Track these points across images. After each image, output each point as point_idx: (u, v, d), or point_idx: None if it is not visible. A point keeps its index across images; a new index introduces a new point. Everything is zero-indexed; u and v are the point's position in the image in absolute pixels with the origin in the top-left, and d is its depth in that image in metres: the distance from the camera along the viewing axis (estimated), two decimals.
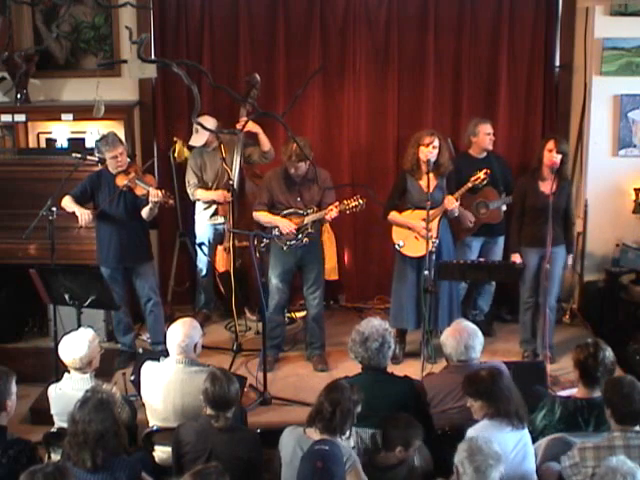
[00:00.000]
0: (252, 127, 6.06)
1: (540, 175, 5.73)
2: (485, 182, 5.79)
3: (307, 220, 5.71)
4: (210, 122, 5.96)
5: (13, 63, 6.36)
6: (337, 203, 5.63)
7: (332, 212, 5.60)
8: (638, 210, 6.55)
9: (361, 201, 5.61)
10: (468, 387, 3.98)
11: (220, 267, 6.39)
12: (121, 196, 5.65)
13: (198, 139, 6.18)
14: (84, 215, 5.56)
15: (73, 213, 5.59)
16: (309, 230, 5.73)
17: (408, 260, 5.79)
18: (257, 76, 6.04)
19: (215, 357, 5.79)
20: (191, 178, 6.29)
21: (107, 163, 5.70)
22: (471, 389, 3.96)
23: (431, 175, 5.59)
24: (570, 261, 6.00)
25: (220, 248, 6.38)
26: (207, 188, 6.27)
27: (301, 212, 5.73)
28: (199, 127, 5.87)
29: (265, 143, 6.17)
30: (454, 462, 3.45)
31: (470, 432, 3.82)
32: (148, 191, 5.54)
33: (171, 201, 5.61)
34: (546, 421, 4.15)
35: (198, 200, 6.34)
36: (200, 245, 6.47)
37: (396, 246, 5.78)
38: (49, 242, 5.48)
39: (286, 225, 5.70)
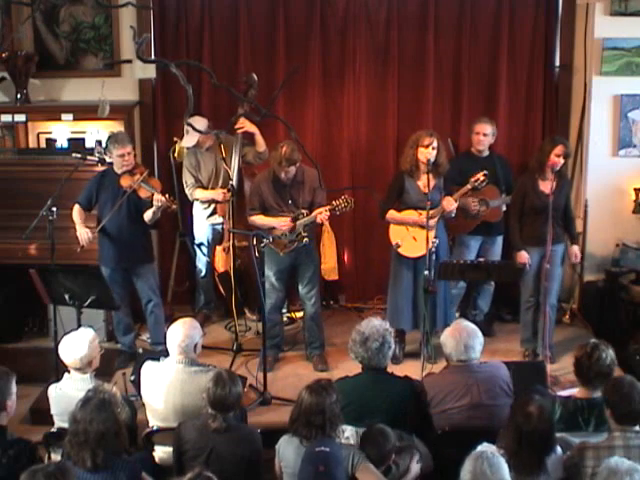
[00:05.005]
0: (249, 127, 6.09)
1: (542, 175, 5.75)
2: (485, 183, 5.80)
3: (298, 225, 5.72)
4: (200, 123, 5.96)
5: (13, 62, 6.36)
6: (327, 207, 5.65)
7: (322, 215, 5.63)
8: (638, 210, 6.55)
9: (349, 201, 5.65)
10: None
11: (219, 267, 6.39)
12: (125, 197, 5.65)
13: (189, 140, 6.15)
14: (83, 235, 5.60)
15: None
16: (302, 234, 5.74)
17: (405, 261, 5.79)
18: (254, 76, 6.02)
19: (215, 357, 5.78)
20: (188, 178, 6.27)
21: (113, 161, 5.70)
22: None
23: (430, 175, 5.60)
24: (576, 251, 5.89)
25: (219, 248, 6.38)
26: (203, 188, 6.27)
27: (294, 216, 5.73)
28: (190, 128, 5.92)
29: (261, 144, 6.17)
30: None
31: None
32: (152, 194, 5.55)
33: (174, 206, 5.68)
34: None
35: (197, 200, 6.34)
36: (199, 245, 6.48)
37: (394, 246, 5.78)
38: (49, 242, 5.47)
39: (282, 222, 5.71)
